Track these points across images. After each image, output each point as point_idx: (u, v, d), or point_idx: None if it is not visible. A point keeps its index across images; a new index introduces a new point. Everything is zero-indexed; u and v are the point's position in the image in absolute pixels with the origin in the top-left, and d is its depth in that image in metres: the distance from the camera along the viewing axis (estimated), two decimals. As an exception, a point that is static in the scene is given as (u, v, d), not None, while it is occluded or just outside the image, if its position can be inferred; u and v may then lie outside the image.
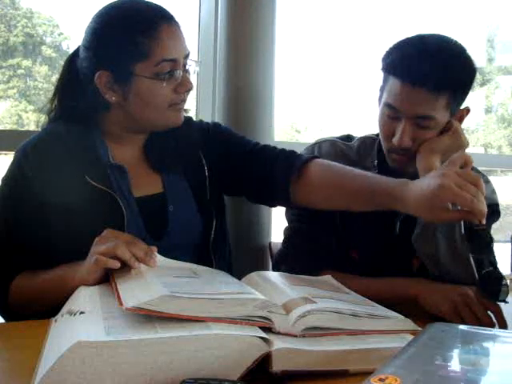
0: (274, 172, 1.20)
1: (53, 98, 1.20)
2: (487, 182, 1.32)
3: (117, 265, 0.90)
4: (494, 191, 1.32)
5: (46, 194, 1.09)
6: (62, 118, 1.18)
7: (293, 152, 1.25)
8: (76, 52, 1.19)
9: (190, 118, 1.30)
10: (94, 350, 0.63)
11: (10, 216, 1.12)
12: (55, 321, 0.82)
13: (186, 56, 1.13)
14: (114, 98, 1.11)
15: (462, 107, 1.22)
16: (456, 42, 1.18)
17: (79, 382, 0.63)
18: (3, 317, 1.14)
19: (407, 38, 1.18)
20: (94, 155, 1.14)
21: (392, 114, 1.17)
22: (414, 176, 1.19)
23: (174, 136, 1.22)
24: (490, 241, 1.29)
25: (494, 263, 1.23)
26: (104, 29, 1.10)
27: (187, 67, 1.14)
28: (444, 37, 1.18)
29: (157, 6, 1.13)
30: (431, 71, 1.10)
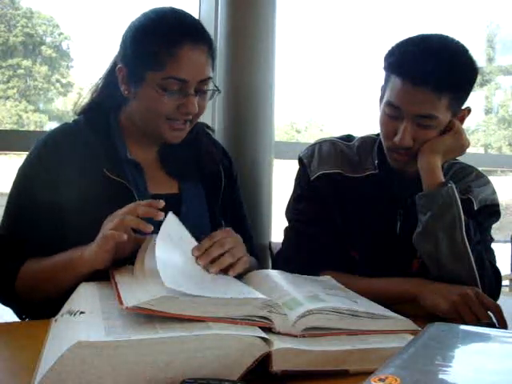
0: None
1: (93, 92, 1.23)
2: (488, 182, 1.32)
3: (124, 237, 0.92)
4: (494, 191, 1.32)
5: (64, 185, 1.11)
6: (85, 111, 1.22)
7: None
8: None
9: (209, 134, 1.33)
10: (94, 350, 0.63)
11: (25, 203, 1.13)
12: (55, 321, 0.83)
13: (204, 80, 1.13)
14: (126, 92, 1.15)
15: (463, 107, 1.22)
16: (458, 41, 1.18)
17: (79, 382, 0.63)
18: (9, 305, 1.14)
19: (409, 38, 1.18)
20: (113, 150, 1.16)
21: (393, 113, 1.17)
22: (415, 176, 1.19)
23: (192, 146, 1.25)
24: (491, 241, 1.29)
25: (493, 263, 1.23)
26: (137, 29, 1.13)
27: (204, 90, 1.14)
28: (446, 37, 1.18)
29: (191, 22, 1.14)
30: (434, 71, 1.10)
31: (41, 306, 1.04)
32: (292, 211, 1.35)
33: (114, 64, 1.19)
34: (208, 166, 1.27)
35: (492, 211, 1.28)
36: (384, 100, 1.19)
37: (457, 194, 1.11)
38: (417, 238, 1.15)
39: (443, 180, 1.16)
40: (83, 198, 1.09)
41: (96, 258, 0.95)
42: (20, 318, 1.14)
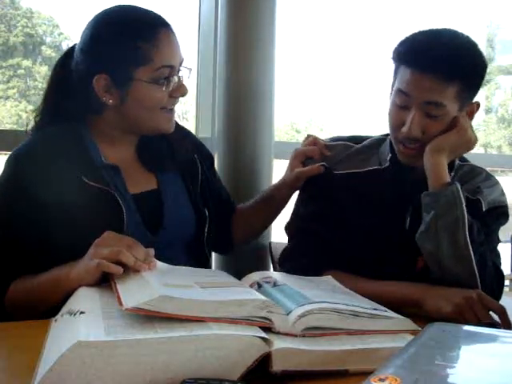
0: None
1: (43, 101, 1.20)
2: (496, 183, 1.31)
3: (120, 271, 0.90)
4: (503, 193, 1.31)
5: (44, 198, 1.08)
6: (51, 122, 1.18)
7: None
8: (68, 54, 1.19)
9: (181, 125, 1.35)
10: (93, 350, 0.63)
11: (7, 222, 1.11)
12: (55, 321, 0.82)
13: (181, 62, 1.16)
14: (111, 101, 1.13)
15: (473, 101, 1.21)
16: (468, 36, 1.18)
17: (79, 382, 0.63)
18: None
19: (419, 30, 1.19)
20: (87, 157, 1.15)
21: (402, 101, 1.16)
22: (424, 172, 1.18)
23: (167, 138, 1.26)
24: (497, 243, 1.29)
25: (497, 264, 1.22)
26: (104, 33, 1.12)
27: (181, 73, 1.17)
28: (456, 31, 1.18)
29: (154, 12, 1.16)
30: (443, 59, 1.10)
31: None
32: (301, 211, 1.35)
33: (79, 77, 1.14)
34: (181, 154, 1.28)
35: (500, 212, 1.27)
36: (393, 89, 1.19)
37: (461, 195, 1.11)
38: (419, 236, 1.15)
39: (449, 180, 1.15)
40: (64, 208, 1.07)
41: (84, 279, 0.93)
42: None
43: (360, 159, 1.31)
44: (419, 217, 1.17)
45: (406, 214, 1.24)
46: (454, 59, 1.11)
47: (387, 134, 1.29)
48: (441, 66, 1.11)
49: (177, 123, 1.29)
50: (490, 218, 1.24)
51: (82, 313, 0.76)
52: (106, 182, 1.13)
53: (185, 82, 1.18)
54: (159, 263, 0.98)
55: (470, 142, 1.18)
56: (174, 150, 1.27)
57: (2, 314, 1.09)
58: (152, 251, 0.97)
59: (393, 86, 1.21)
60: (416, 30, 1.19)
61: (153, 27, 1.11)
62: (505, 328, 1.00)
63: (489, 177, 1.32)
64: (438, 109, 1.14)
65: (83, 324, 0.71)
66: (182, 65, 1.17)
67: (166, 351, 0.66)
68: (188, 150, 1.30)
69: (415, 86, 1.13)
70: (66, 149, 1.14)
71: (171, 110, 1.18)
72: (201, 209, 1.27)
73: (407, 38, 1.18)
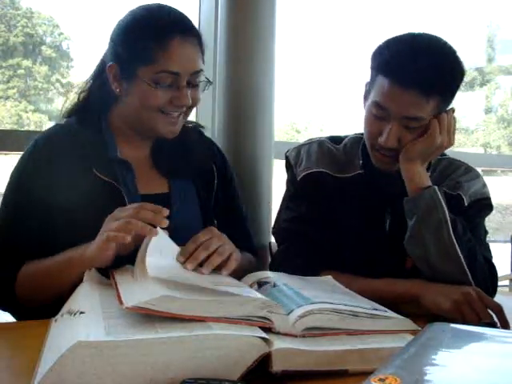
0: None
1: (80, 93, 1.23)
2: (477, 176, 1.31)
3: (128, 238, 0.91)
4: (484, 185, 1.30)
5: (55, 185, 1.10)
6: (76, 112, 1.22)
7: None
8: None
9: (201, 132, 1.35)
10: (93, 350, 0.63)
11: (20, 206, 1.13)
12: (55, 321, 0.82)
13: (195, 72, 1.14)
14: (118, 90, 1.15)
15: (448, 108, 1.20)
16: (446, 42, 1.17)
17: (79, 382, 0.63)
18: (10, 311, 1.13)
19: (397, 37, 1.17)
20: (103, 149, 1.17)
21: (380, 113, 1.16)
22: (400, 174, 1.18)
23: (184, 144, 1.25)
24: (485, 235, 1.29)
25: (488, 258, 1.21)
26: (126, 26, 1.14)
27: (196, 83, 1.15)
28: (435, 37, 1.17)
29: (179, 16, 1.15)
30: (422, 73, 1.09)
31: (40, 309, 1.04)
32: (283, 211, 1.35)
33: (103, 63, 1.19)
34: (199, 163, 1.27)
35: (483, 205, 1.27)
36: (370, 99, 1.18)
37: (440, 195, 1.12)
38: (406, 243, 1.16)
39: (426, 184, 1.15)
40: (73, 197, 1.09)
41: (97, 257, 0.95)
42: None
43: (338, 163, 1.31)
44: (398, 217, 1.17)
45: (385, 216, 1.25)
46: (435, 74, 1.10)
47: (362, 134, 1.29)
48: (422, 81, 1.09)
49: (201, 132, 1.33)
50: (473, 211, 1.24)
51: (81, 313, 0.76)
52: (115, 177, 1.14)
53: (198, 93, 1.16)
54: (162, 234, 0.98)
55: (442, 147, 1.18)
56: (191, 158, 1.26)
57: (12, 303, 1.10)
58: (165, 211, 0.98)
59: (369, 87, 1.21)
60: (394, 35, 1.17)
61: (169, 31, 1.10)
62: (502, 326, 1.00)
63: (469, 170, 1.31)
64: (416, 122, 1.14)
65: (83, 324, 0.71)
66: (197, 75, 1.14)
67: (166, 351, 0.66)
68: (206, 160, 1.29)
69: (394, 101, 1.13)
70: (84, 140, 1.16)
71: (173, 115, 1.15)
72: (210, 217, 1.25)
73: (385, 48, 1.16)
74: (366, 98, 1.22)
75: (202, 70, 1.16)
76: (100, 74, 1.20)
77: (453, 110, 1.21)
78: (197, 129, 1.34)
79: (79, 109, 1.22)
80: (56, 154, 1.14)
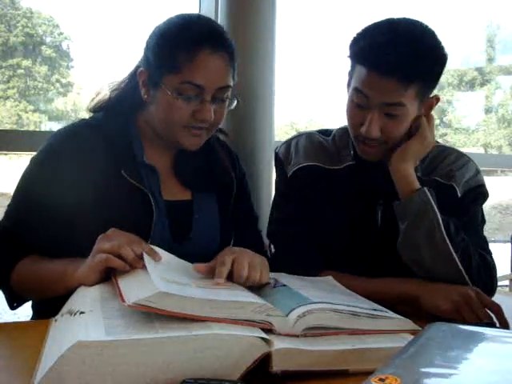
0: None
1: (113, 90, 1.22)
2: (468, 161, 1.28)
3: (125, 267, 0.90)
4: (477, 171, 1.27)
5: (79, 183, 1.09)
6: (105, 109, 1.20)
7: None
8: None
9: (223, 142, 1.34)
10: (94, 350, 0.63)
11: (35, 198, 1.11)
12: (55, 321, 0.83)
13: (222, 88, 1.11)
14: (145, 97, 1.14)
15: (432, 95, 1.19)
16: (426, 26, 1.15)
17: (79, 382, 0.63)
18: (5, 293, 1.13)
19: (375, 24, 1.15)
20: (131, 152, 1.15)
21: (360, 101, 1.14)
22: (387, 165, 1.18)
23: (207, 155, 1.24)
24: (482, 225, 1.27)
25: (483, 253, 1.19)
26: (159, 32, 1.13)
27: (223, 99, 1.13)
28: (414, 22, 1.14)
29: (213, 29, 1.13)
30: (400, 61, 1.07)
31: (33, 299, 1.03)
32: (275, 211, 1.34)
33: (137, 67, 1.18)
34: (221, 177, 1.26)
35: (477, 193, 1.25)
36: (351, 87, 1.17)
37: (430, 197, 1.10)
38: (399, 247, 1.15)
39: (416, 186, 1.14)
40: (98, 197, 1.08)
41: (85, 277, 0.93)
42: (11, 307, 1.13)
43: (329, 155, 1.30)
44: (390, 210, 1.17)
45: (377, 208, 1.24)
46: (414, 61, 1.08)
47: None
48: (400, 68, 1.08)
49: (223, 142, 1.32)
50: (467, 201, 1.22)
51: (81, 313, 0.76)
52: (143, 182, 1.13)
53: (223, 110, 1.14)
54: (164, 253, 0.97)
55: (429, 145, 1.19)
56: (214, 172, 1.25)
57: (4, 285, 1.09)
58: (157, 255, 0.95)
59: (350, 76, 1.19)
60: (371, 23, 1.14)
61: (198, 43, 1.08)
62: (501, 326, 1.00)
63: (460, 156, 1.29)
64: (397, 109, 1.12)
65: (83, 324, 0.71)
66: (225, 92, 1.12)
67: (166, 351, 0.66)
68: (228, 172, 1.28)
69: (373, 88, 1.11)
70: (111, 139, 1.14)
71: (195, 129, 1.12)
72: (228, 228, 1.25)
73: (362, 37, 1.14)
74: (348, 86, 1.20)
75: (229, 86, 1.13)
76: (133, 76, 1.19)
77: (437, 98, 1.20)
78: (221, 141, 1.32)
79: (108, 106, 1.20)
80: (82, 150, 1.11)
